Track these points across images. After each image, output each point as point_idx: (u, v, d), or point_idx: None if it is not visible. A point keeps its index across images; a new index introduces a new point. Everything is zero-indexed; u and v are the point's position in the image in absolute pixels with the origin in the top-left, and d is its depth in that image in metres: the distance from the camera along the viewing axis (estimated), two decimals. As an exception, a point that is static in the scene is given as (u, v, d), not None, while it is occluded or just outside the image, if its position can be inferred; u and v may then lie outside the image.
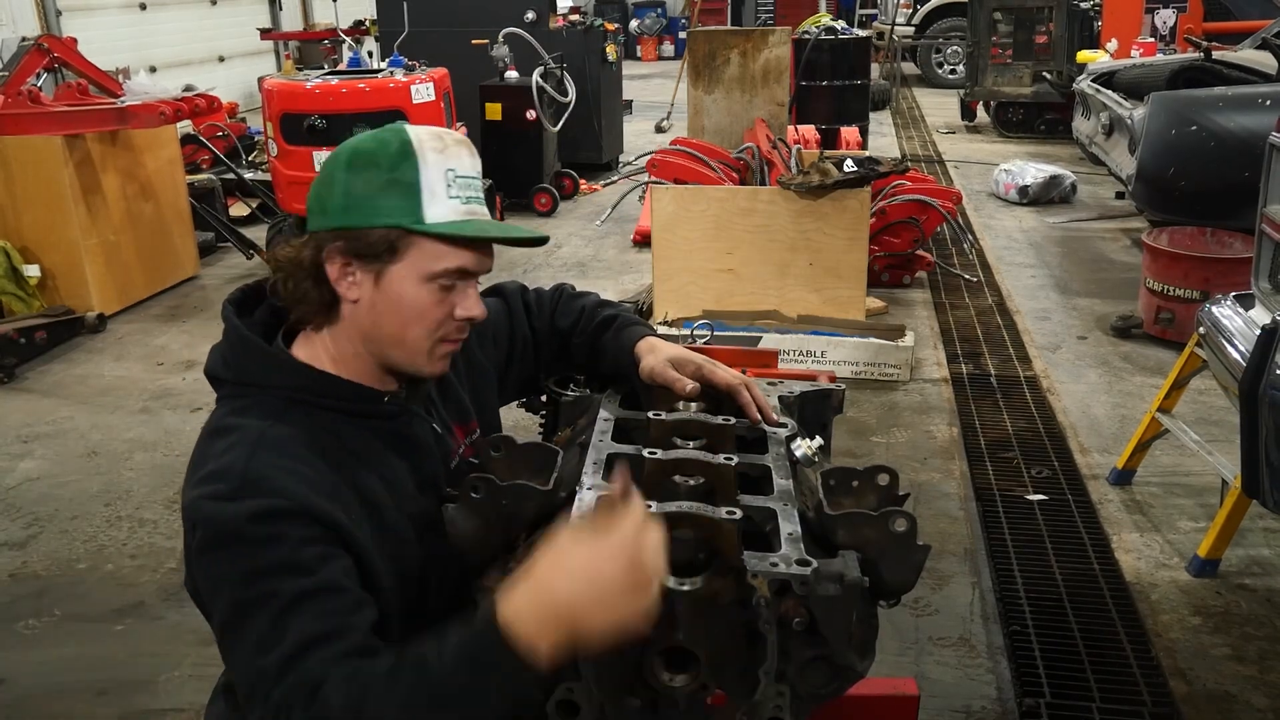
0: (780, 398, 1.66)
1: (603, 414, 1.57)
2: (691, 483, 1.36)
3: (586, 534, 1.15)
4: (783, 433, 1.52)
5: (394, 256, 1.36)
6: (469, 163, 1.41)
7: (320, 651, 1.19)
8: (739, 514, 1.24)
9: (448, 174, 1.37)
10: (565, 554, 1.15)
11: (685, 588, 1.22)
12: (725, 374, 1.59)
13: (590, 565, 1.12)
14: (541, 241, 1.53)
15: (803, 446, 1.46)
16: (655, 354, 1.62)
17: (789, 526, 1.29)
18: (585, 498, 1.33)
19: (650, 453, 1.38)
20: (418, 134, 1.38)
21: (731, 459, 1.38)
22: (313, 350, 1.44)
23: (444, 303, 1.40)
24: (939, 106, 12.32)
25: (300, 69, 9.81)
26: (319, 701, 1.16)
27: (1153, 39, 9.11)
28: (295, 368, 1.41)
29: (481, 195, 1.43)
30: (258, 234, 6.55)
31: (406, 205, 1.35)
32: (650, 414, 1.51)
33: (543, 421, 1.84)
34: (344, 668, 1.18)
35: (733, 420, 1.53)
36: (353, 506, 1.34)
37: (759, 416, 1.56)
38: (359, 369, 1.43)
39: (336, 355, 1.43)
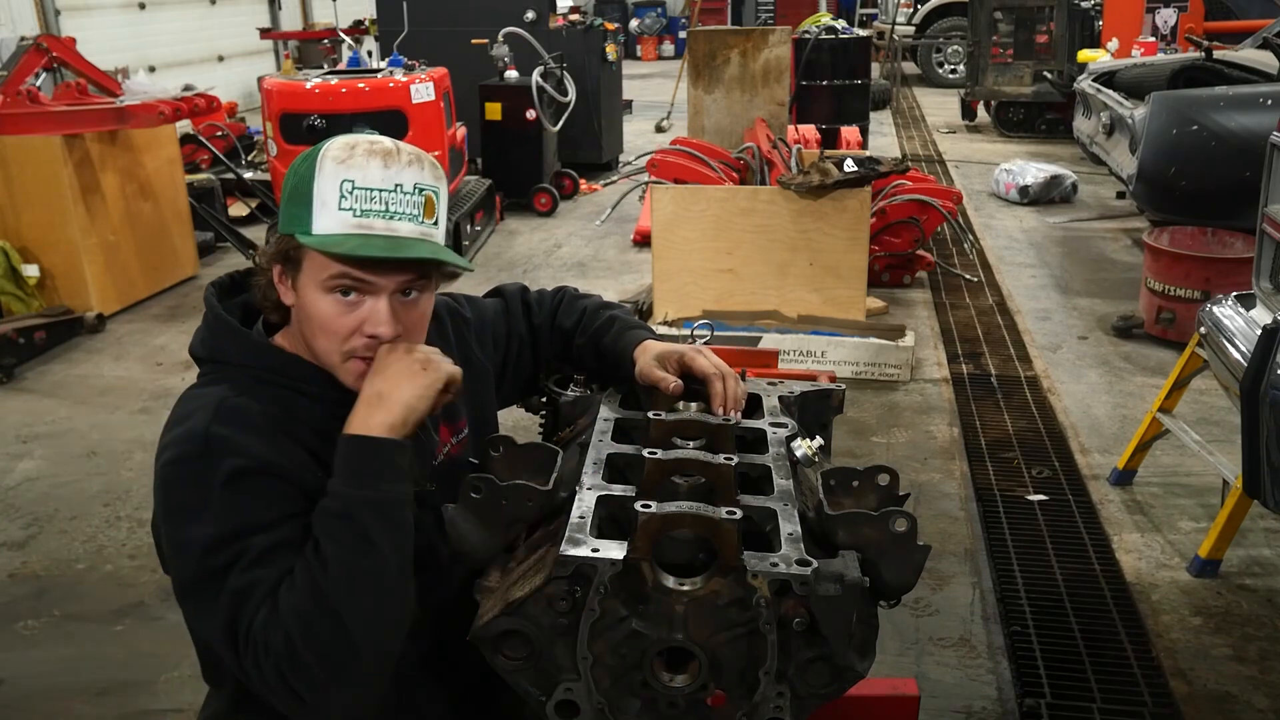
0: (780, 398, 1.66)
1: (602, 414, 1.57)
2: (691, 483, 1.36)
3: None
4: (783, 433, 1.52)
5: (296, 265, 1.38)
6: (378, 175, 1.33)
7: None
8: (739, 514, 1.24)
9: (343, 185, 1.33)
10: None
11: (685, 588, 1.21)
12: (704, 362, 1.58)
13: (381, 363, 1.36)
14: (451, 262, 1.41)
15: (803, 446, 1.45)
16: (646, 354, 1.62)
17: (789, 526, 1.29)
18: (585, 498, 1.33)
19: (650, 453, 1.38)
20: (331, 143, 1.37)
21: (731, 459, 1.38)
22: (285, 344, 1.48)
23: (348, 315, 1.37)
24: (939, 106, 12.32)
25: (300, 68, 9.81)
26: (275, 617, 1.26)
27: (1153, 38, 9.11)
28: (264, 348, 1.46)
29: (396, 209, 1.35)
30: (257, 234, 6.55)
31: (300, 214, 1.35)
32: (650, 414, 1.51)
33: (542, 421, 1.84)
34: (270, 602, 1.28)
35: (732, 420, 1.52)
36: (312, 479, 1.36)
37: (719, 410, 1.53)
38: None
39: (300, 352, 1.46)
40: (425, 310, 1.45)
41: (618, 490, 1.35)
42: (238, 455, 1.31)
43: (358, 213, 1.34)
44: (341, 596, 1.24)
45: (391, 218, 1.35)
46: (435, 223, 1.40)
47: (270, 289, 1.45)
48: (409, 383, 1.34)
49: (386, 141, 1.38)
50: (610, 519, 1.34)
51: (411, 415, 1.34)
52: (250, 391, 1.40)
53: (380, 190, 1.34)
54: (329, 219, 1.34)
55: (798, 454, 1.45)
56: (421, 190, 1.37)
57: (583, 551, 1.22)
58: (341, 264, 1.34)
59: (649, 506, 1.23)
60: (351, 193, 1.33)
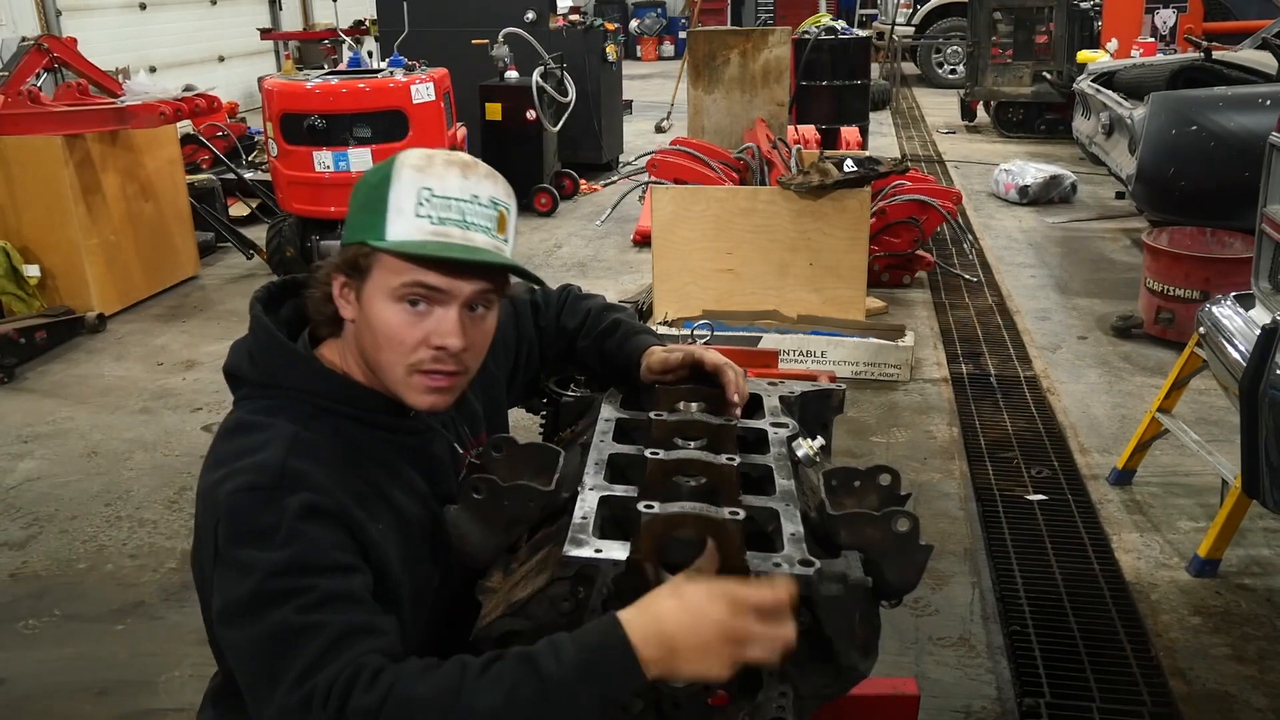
0: (781, 398, 1.66)
1: (604, 414, 1.57)
2: (693, 483, 1.36)
3: (716, 581, 1.17)
4: (784, 433, 1.52)
5: (364, 274, 1.34)
6: (456, 184, 1.33)
7: (366, 642, 1.19)
8: (741, 514, 1.24)
9: (420, 192, 1.31)
10: (684, 585, 1.18)
11: (687, 588, 1.22)
12: (713, 356, 1.61)
13: (697, 602, 1.15)
14: (525, 275, 1.42)
15: (804, 446, 1.46)
16: (652, 355, 1.65)
17: (791, 527, 1.29)
18: (587, 498, 1.33)
19: (652, 453, 1.38)
20: (409, 154, 1.35)
21: (733, 459, 1.38)
22: (335, 359, 1.44)
23: (415, 326, 1.34)
24: (939, 106, 12.32)
25: (300, 69, 9.81)
26: (380, 686, 1.13)
27: (1153, 39, 9.11)
28: (325, 374, 1.40)
29: (472, 220, 1.34)
30: (258, 234, 6.54)
31: (372, 221, 1.32)
32: (652, 414, 1.51)
33: (543, 422, 1.84)
34: (400, 663, 1.17)
35: (734, 420, 1.53)
36: (381, 517, 1.34)
37: (734, 398, 1.56)
38: (374, 384, 1.43)
39: (350, 369, 1.43)
40: (489, 330, 1.42)
41: (620, 491, 1.35)
42: (312, 491, 1.26)
43: (435, 220, 1.31)
44: None
45: (468, 228, 1.33)
46: (506, 240, 1.38)
47: (326, 303, 1.41)
48: (708, 649, 1.15)
49: (465, 155, 1.37)
50: (612, 520, 1.34)
51: (693, 676, 1.17)
52: (310, 422, 1.35)
53: (458, 200, 1.33)
54: (404, 225, 1.31)
55: (799, 454, 1.46)
56: (496, 204, 1.36)
57: (586, 552, 1.22)
58: (418, 267, 1.30)
59: (652, 507, 1.24)
60: (429, 200, 1.31)
